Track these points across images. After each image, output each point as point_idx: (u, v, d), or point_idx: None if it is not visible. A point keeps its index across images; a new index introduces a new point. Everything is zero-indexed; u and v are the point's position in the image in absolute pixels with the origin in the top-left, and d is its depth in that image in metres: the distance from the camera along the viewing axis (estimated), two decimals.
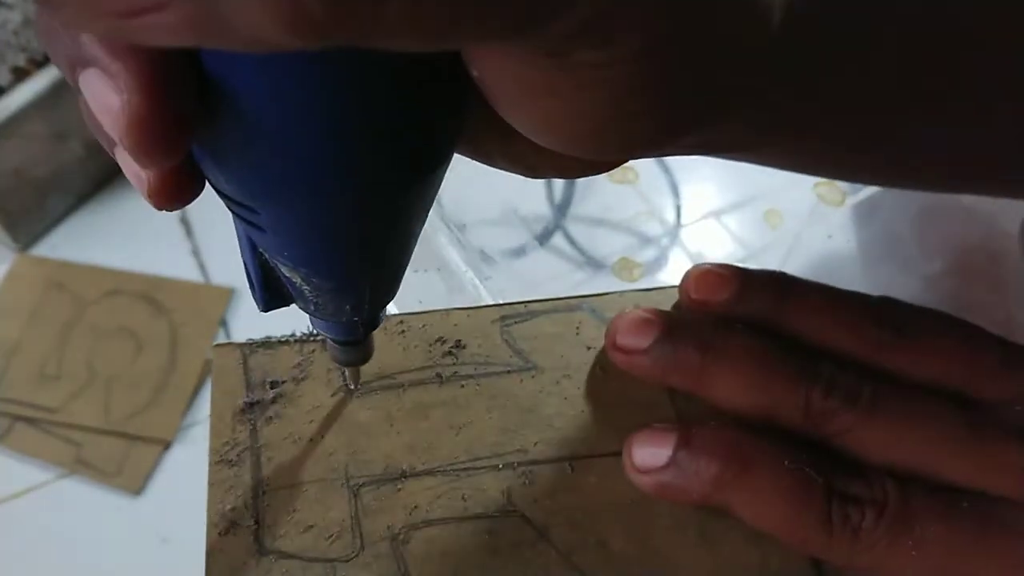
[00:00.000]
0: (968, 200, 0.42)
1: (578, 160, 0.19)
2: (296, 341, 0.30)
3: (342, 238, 0.18)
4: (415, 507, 0.27)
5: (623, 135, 0.17)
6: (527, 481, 0.27)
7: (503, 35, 0.13)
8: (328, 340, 0.25)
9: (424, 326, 0.31)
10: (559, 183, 0.48)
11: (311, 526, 0.26)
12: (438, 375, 0.29)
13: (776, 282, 0.29)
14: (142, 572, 0.78)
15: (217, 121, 0.15)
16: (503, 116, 0.17)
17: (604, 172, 0.21)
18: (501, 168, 0.21)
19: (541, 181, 0.48)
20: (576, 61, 0.15)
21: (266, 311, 0.23)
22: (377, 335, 0.28)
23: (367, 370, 0.29)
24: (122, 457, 0.84)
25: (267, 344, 0.30)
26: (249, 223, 0.18)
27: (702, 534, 0.27)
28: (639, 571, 0.26)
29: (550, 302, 0.31)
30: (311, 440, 0.28)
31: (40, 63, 0.91)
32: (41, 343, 0.91)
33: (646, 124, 0.17)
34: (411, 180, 0.18)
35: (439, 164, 0.18)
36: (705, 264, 0.30)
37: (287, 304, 0.23)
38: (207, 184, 0.18)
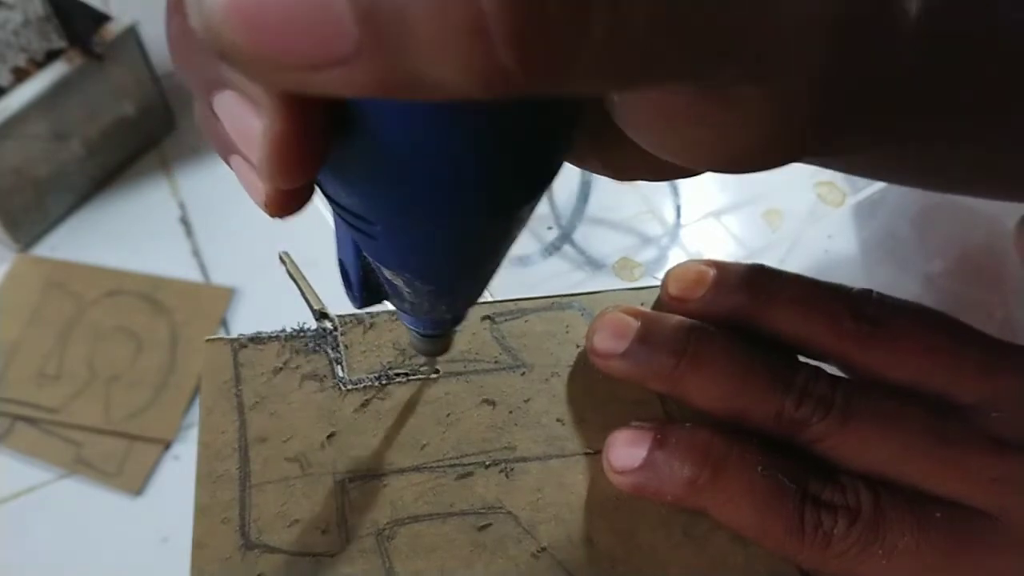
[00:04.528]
0: (968, 200, 0.42)
1: (678, 167, 0.19)
2: (286, 338, 0.30)
3: (454, 250, 0.19)
4: (401, 503, 0.27)
5: (765, 157, 0.17)
6: (514, 478, 0.28)
7: (675, 79, 0.13)
8: (412, 332, 0.25)
9: None
10: (567, 192, 0.48)
11: (297, 520, 0.26)
12: (427, 371, 0.30)
13: (754, 276, 0.29)
14: (142, 572, 0.78)
15: (349, 142, 0.15)
16: (633, 137, 0.18)
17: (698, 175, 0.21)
18: (590, 170, 0.21)
19: None
20: (734, 95, 0.15)
21: (362, 308, 0.24)
22: (368, 331, 0.28)
23: (358, 367, 0.29)
24: (122, 457, 0.84)
25: (257, 339, 0.30)
26: (360, 231, 0.18)
27: (688, 533, 0.27)
28: (625, 569, 0.26)
29: (540, 300, 0.31)
30: (300, 435, 0.28)
31: (40, 63, 0.91)
32: (41, 343, 0.91)
33: (791, 146, 0.17)
34: (530, 198, 0.18)
35: (554, 179, 0.18)
36: (687, 261, 0.30)
37: (381, 301, 0.23)
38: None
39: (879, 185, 0.45)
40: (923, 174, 0.28)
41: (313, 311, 0.30)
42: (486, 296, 0.29)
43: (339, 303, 0.27)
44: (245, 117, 0.14)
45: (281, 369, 0.30)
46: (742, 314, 0.29)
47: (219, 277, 0.97)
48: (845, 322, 0.28)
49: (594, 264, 0.45)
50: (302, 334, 0.30)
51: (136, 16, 0.96)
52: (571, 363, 0.30)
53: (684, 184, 0.49)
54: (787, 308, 0.28)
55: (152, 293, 0.95)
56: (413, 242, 0.18)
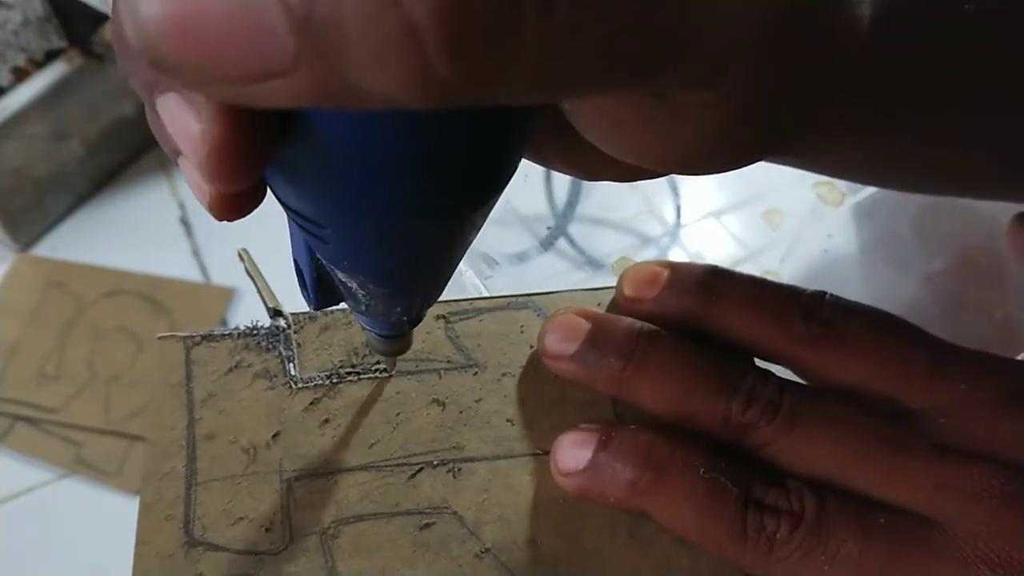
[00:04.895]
0: (968, 200, 0.42)
1: (642, 168, 0.19)
2: (239, 335, 0.30)
3: (406, 253, 0.19)
4: (347, 502, 0.27)
5: (714, 159, 0.18)
6: (461, 478, 0.27)
7: (617, 87, 0.14)
8: (370, 333, 0.25)
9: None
10: (561, 188, 0.48)
11: (242, 518, 0.26)
12: (378, 370, 0.30)
13: (706, 277, 0.29)
14: None
15: (294, 145, 0.15)
16: (587, 138, 0.18)
17: (662, 177, 0.21)
18: (557, 170, 0.21)
19: (541, 183, 0.48)
20: (676, 101, 0.15)
21: (318, 309, 0.24)
22: (320, 329, 0.28)
23: (310, 366, 0.29)
24: (122, 457, 0.84)
25: (210, 337, 0.30)
26: (312, 235, 0.18)
27: (633, 535, 0.26)
28: (568, 570, 0.26)
29: (496, 300, 0.31)
30: (248, 433, 0.28)
31: (40, 63, 0.91)
32: (41, 343, 0.91)
33: (737, 149, 0.18)
34: (483, 201, 0.18)
35: (508, 182, 0.18)
36: (642, 262, 0.30)
37: (337, 303, 0.23)
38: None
39: None
40: (894, 174, 0.28)
41: (268, 308, 0.30)
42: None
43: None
44: (185, 120, 0.14)
45: (233, 367, 0.29)
46: (695, 315, 0.29)
47: (219, 277, 0.97)
48: (795, 324, 0.28)
49: (594, 264, 0.45)
50: (255, 332, 0.30)
51: None
52: (524, 364, 0.30)
53: (684, 184, 0.49)
54: (738, 309, 0.28)
55: (152, 293, 0.95)
56: (364, 245, 0.18)
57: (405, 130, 0.15)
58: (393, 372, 0.29)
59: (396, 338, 0.26)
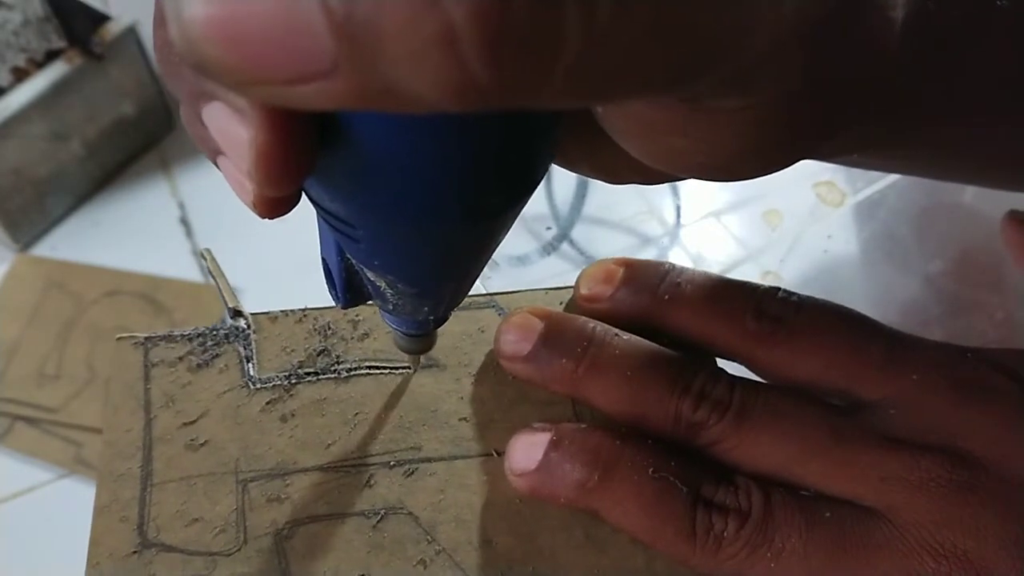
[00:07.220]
0: (969, 200, 0.42)
1: (668, 172, 0.19)
2: (197, 335, 0.30)
3: (437, 254, 0.19)
4: (302, 503, 0.27)
5: (747, 165, 0.18)
6: (417, 479, 0.27)
7: (650, 93, 0.14)
8: (396, 331, 0.25)
9: (329, 320, 0.31)
10: (565, 191, 0.48)
11: (196, 519, 0.26)
12: (336, 371, 0.29)
13: (662, 275, 0.29)
14: None
15: (330, 149, 0.15)
16: (619, 142, 0.18)
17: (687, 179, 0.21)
18: (583, 174, 0.21)
19: (541, 185, 0.48)
20: (711, 106, 0.15)
21: (346, 308, 0.24)
22: (282, 328, 0.28)
23: (268, 366, 0.29)
24: None
25: (168, 338, 0.30)
26: (344, 235, 0.19)
27: (590, 535, 0.26)
28: (523, 570, 0.26)
29: None
30: (205, 433, 0.28)
31: (40, 63, 0.91)
32: (41, 343, 0.91)
33: (771, 155, 0.18)
34: (516, 203, 0.18)
35: (539, 183, 0.19)
36: (601, 260, 0.30)
37: (365, 302, 0.23)
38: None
39: (879, 185, 0.45)
40: (932, 167, 0.28)
41: (227, 308, 0.30)
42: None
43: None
44: (232, 127, 0.14)
45: (191, 368, 0.29)
46: (650, 314, 0.29)
47: None
48: (747, 321, 0.28)
49: None
50: (215, 332, 0.30)
51: (136, 16, 0.96)
52: (483, 364, 0.30)
53: (684, 184, 0.49)
54: (691, 308, 0.28)
55: (152, 293, 0.95)
56: (396, 246, 0.18)
57: (442, 135, 0.15)
58: (416, 370, 0.29)
59: (421, 337, 0.26)
